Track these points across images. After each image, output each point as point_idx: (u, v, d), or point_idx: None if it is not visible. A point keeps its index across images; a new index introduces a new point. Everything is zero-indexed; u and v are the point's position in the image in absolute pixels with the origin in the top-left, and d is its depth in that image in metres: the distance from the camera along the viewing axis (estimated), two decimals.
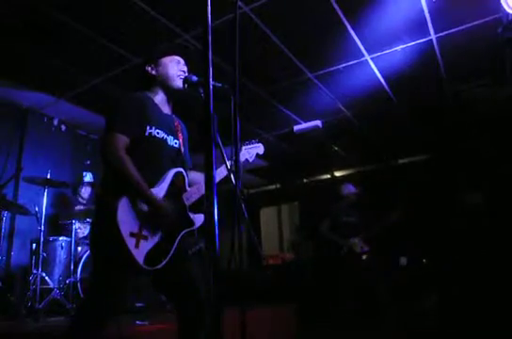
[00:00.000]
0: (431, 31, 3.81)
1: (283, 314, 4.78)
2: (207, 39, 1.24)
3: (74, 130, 5.63)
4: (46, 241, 4.09)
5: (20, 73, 4.36)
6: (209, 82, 1.20)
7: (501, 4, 3.10)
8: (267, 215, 8.99)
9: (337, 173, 7.96)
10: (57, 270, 4.09)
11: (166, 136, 2.05)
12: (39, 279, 3.82)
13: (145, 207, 1.83)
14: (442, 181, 6.27)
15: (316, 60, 4.28)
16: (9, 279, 4.22)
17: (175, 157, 2.09)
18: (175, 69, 2.14)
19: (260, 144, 2.48)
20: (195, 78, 2.07)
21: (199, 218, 2.04)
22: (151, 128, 1.96)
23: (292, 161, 7.42)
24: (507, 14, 3.22)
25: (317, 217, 5.50)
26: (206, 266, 1.96)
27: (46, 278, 3.93)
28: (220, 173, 2.05)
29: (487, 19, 3.62)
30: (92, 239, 1.91)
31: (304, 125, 5.85)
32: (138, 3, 3.32)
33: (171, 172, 2.00)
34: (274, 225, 8.89)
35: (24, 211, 4.22)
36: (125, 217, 1.75)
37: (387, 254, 5.55)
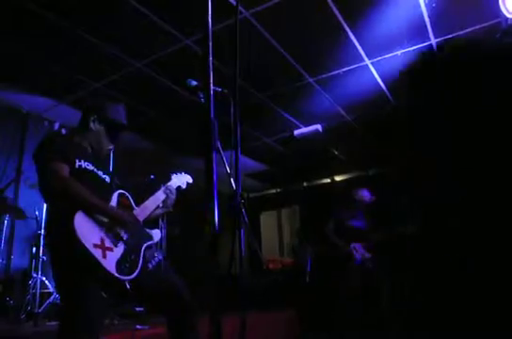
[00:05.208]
0: (431, 36, 3.82)
1: (284, 319, 4.76)
2: (208, 43, 1.25)
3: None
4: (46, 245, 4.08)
5: (20, 78, 4.37)
6: (210, 87, 1.20)
7: (500, 9, 3.11)
8: (267, 219, 8.98)
9: (337, 178, 7.95)
10: None
11: (95, 169, 2.12)
12: (38, 283, 3.81)
13: (103, 218, 1.90)
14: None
15: (316, 65, 4.29)
16: (9, 282, 4.21)
17: (110, 188, 2.16)
18: (108, 144, 2.22)
19: (188, 175, 2.65)
20: (194, 83, 2.07)
21: (156, 233, 2.17)
22: (79, 161, 2.03)
23: (292, 165, 7.42)
24: (506, 19, 3.23)
25: (317, 220, 5.48)
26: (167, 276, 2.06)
27: (46, 282, 3.92)
28: (157, 200, 2.26)
29: (486, 24, 3.64)
30: (56, 258, 1.89)
31: (304, 129, 5.85)
32: (139, 7, 3.33)
33: (115, 194, 2.10)
34: (274, 229, 8.88)
35: (24, 215, 4.21)
36: (83, 230, 1.77)
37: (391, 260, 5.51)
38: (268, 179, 8.24)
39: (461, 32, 3.76)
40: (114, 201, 2.06)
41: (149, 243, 2.09)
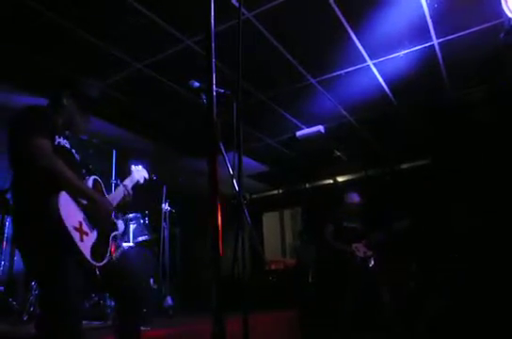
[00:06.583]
0: (433, 36, 3.82)
1: (285, 319, 4.76)
2: (210, 44, 1.25)
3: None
4: None
5: (21, 78, 4.37)
6: (212, 88, 1.20)
7: (502, 9, 3.11)
8: (270, 220, 8.97)
9: (339, 178, 7.95)
10: None
11: (70, 147, 2.12)
12: None
13: (84, 201, 1.91)
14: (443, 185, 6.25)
15: (318, 66, 4.28)
16: (12, 284, 4.22)
17: (84, 167, 2.20)
18: (83, 119, 2.22)
19: (144, 169, 2.67)
20: (197, 84, 2.08)
21: (120, 224, 2.20)
22: (59, 137, 2.01)
23: (294, 166, 7.42)
24: (509, 19, 3.23)
25: (319, 222, 5.50)
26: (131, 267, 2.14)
27: None
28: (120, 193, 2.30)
29: (488, 24, 3.62)
30: (33, 239, 1.82)
31: (306, 130, 5.85)
32: (138, 7, 3.34)
33: (91, 179, 2.10)
34: (276, 230, 8.87)
35: None
36: (67, 212, 1.76)
37: (391, 258, 5.52)
38: (270, 180, 8.24)
39: (464, 32, 3.75)
40: (90, 186, 2.06)
41: (115, 232, 2.12)
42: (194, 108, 3.37)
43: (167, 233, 5.28)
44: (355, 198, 5.31)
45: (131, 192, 2.36)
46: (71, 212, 1.81)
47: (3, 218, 4.17)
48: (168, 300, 4.77)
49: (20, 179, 1.93)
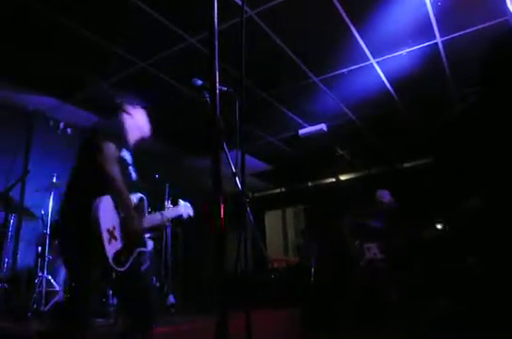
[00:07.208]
0: (437, 35, 3.80)
1: (287, 317, 4.76)
2: (213, 43, 1.24)
3: (81, 133, 5.63)
4: (52, 244, 4.10)
5: (26, 77, 4.38)
6: (215, 86, 1.20)
7: (507, 7, 3.09)
8: (272, 218, 8.97)
9: (342, 177, 7.94)
10: (63, 273, 4.10)
11: (130, 162, 2.20)
12: (44, 281, 3.83)
13: (122, 213, 1.99)
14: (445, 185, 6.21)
15: (322, 64, 4.28)
16: (15, 281, 4.23)
17: (135, 184, 2.23)
18: (144, 120, 2.41)
19: (191, 207, 2.69)
20: (200, 82, 2.07)
21: (150, 243, 2.25)
22: (124, 150, 2.11)
23: (297, 164, 7.42)
24: None
25: (322, 220, 5.48)
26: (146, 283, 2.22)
27: (52, 280, 3.94)
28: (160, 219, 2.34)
29: (492, 22, 3.61)
30: (69, 232, 1.96)
31: (309, 129, 5.85)
32: (145, 8, 3.34)
33: (137, 196, 2.17)
34: (278, 228, 8.87)
35: (29, 214, 4.23)
36: (104, 214, 1.88)
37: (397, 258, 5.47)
38: (273, 178, 8.24)
39: (467, 30, 3.73)
40: (135, 202, 2.13)
41: (142, 249, 2.17)
42: (197, 106, 3.37)
43: (169, 231, 5.30)
44: (386, 196, 5.05)
45: (166, 223, 2.43)
46: (108, 215, 1.93)
47: (7, 216, 4.18)
48: (171, 298, 4.78)
49: (77, 183, 2.05)
